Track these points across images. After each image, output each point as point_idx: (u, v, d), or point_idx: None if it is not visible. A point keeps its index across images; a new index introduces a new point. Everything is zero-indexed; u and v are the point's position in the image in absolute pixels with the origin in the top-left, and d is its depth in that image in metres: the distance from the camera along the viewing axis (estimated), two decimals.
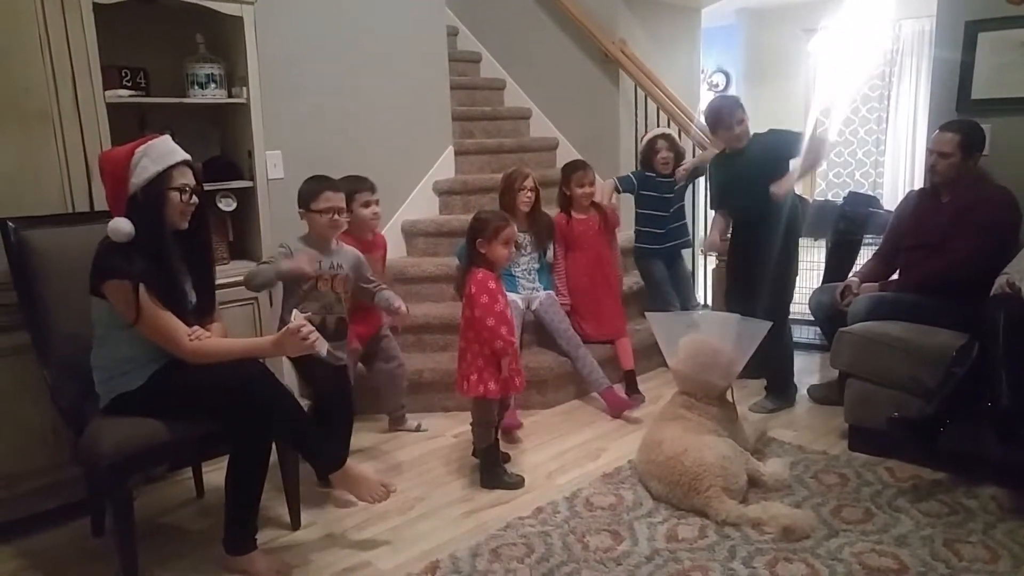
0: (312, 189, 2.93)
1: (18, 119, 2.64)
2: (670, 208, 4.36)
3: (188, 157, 2.41)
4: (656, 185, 4.32)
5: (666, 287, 4.33)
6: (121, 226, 2.27)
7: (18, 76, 2.62)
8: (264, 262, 2.97)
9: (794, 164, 3.63)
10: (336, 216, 2.94)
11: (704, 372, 3.03)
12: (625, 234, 4.62)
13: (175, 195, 2.36)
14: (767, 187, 3.55)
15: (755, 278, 3.72)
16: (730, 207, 3.90)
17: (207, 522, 2.83)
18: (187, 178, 2.39)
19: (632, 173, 4.49)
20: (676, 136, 4.55)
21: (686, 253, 4.62)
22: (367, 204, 3.38)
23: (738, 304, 3.71)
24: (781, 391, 3.83)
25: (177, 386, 2.38)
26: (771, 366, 3.81)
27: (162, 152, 2.35)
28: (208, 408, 2.38)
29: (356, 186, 3.34)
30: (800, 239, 3.82)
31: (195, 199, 2.42)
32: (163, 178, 2.33)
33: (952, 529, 2.58)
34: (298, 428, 2.55)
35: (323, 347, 2.47)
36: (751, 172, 3.65)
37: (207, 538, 2.68)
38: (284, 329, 2.41)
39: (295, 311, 2.44)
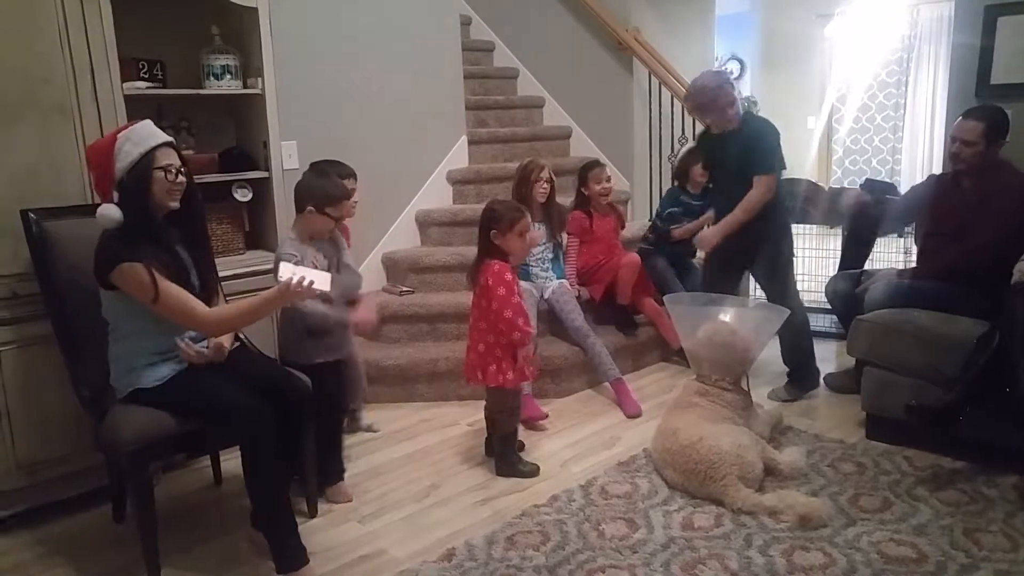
0: (334, 194, 2.83)
1: (38, 112, 2.66)
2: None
3: (170, 139, 2.43)
4: (688, 210, 4.31)
5: (670, 275, 4.31)
6: (109, 212, 2.29)
7: (38, 69, 2.64)
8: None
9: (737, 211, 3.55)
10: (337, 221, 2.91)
11: (720, 355, 3.03)
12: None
13: (160, 174, 2.37)
14: (749, 179, 3.52)
15: (735, 270, 3.80)
16: (714, 190, 3.87)
17: (225, 509, 2.87)
18: (171, 159, 2.40)
19: (667, 201, 4.42)
20: None
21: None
22: (353, 191, 3.34)
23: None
24: (801, 382, 3.80)
25: (191, 400, 2.38)
26: (793, 357, 3.80)
27: (143, 135, 2.37)
28: (220, 429, 2.42)
29: (348, 172, 3.32)
30: (787, 225, 3.78)
31: (182, 178, 2.43)
32: (147, 159, 2.34)
33: (972, 518, 2.57)
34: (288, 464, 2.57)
35: (326, 283, 2.36)
36: (737, 158, 3.57)
37: (225, 525, 2.73)
38: (280, 285, 2.31)
39: (281, 264, 2.37)
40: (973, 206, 3.25)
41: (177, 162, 2.42)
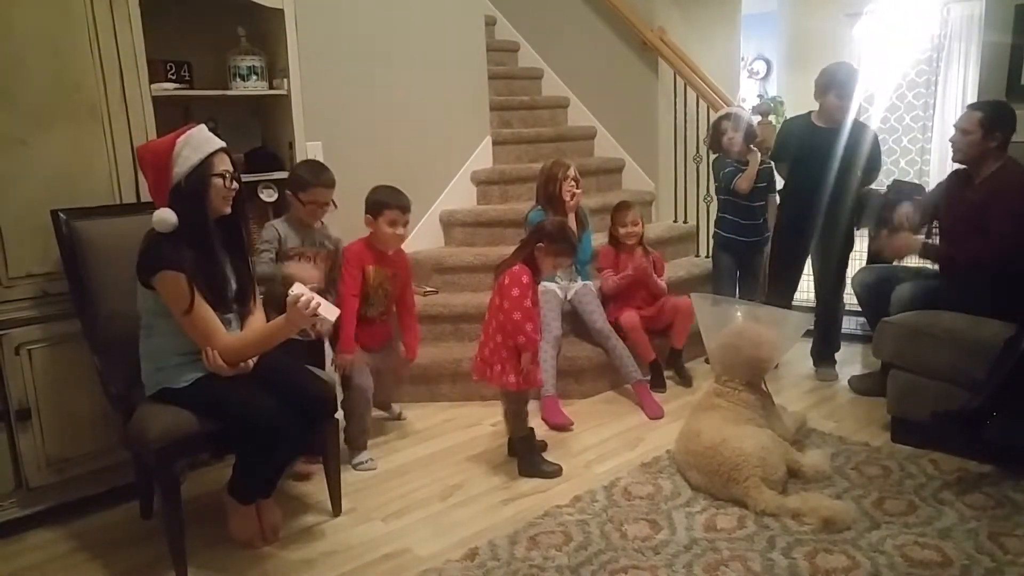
0: (303, 180, 3.04)
1: (69, 114, 2.70)
2: (754, 198, 4.19)
3: (224, 144, 2.46)
4: (740, 170, 4.14)
5: (729, 284, 4.27)
6: (166, 216, 2.32)
7: (69, 72, 2.68)
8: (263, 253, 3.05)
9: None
10: (318, 210, 3.08)
11: (743, 358, 3.01)
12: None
13: (218, 181, 2.41)
14: (847, 179, 3.72)
15: (805, 257, 3.92)
16: (797, 178, 3.91)
17: None
18: (226, 164, 2.44)
19: (720, 167, 4.28)
20: (743, 113, 4.35)
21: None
22: (393, 223, 3.26)
23: (785, 284, 3.86)
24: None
25: (216, 405, 2.41)
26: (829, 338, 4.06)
27: (201, 141, 2.40)
28: (242, 435, 2.42)
29: (390, 200, 3.28)
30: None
31: (236, 184, 2.47)
32: (205, 165, 2.38)
33: (998, 522, 2.54)
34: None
35: (332, 313, 2.39)
36: (839, 157, 3.72)
37: None
38: (289, 299, 2.35)
39: (296, 284, 2.41)
40: (986, 200, 3.23)
41: (231, 168, 2.46)
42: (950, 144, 3.36)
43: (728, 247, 4.29)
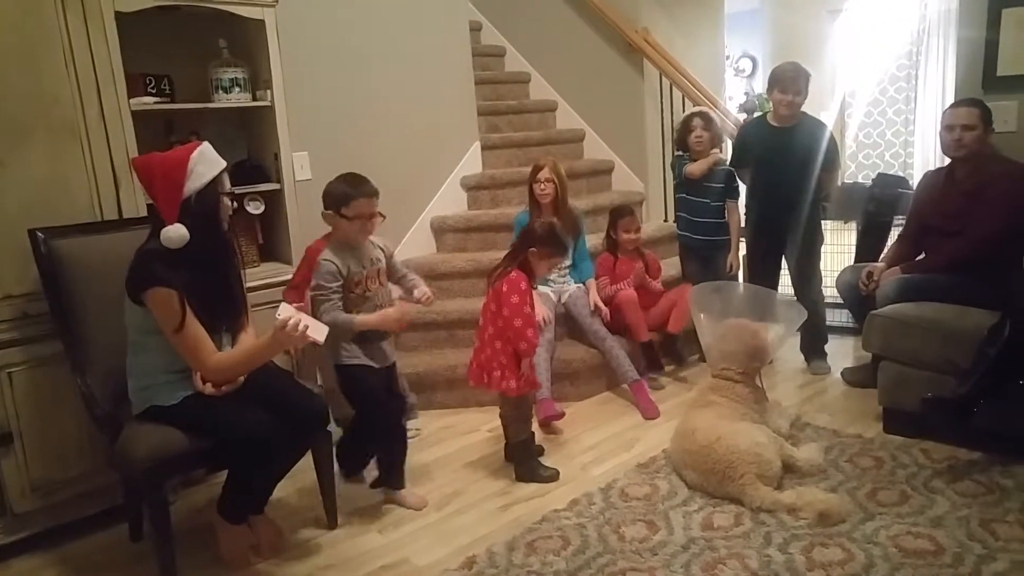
0: (343, 193, 2.76)
1: (48, 131, 2.67)
2: (711, 197, 4.19)
3: (225, 163, 2.46)
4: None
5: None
6: (180, 232, 2.29)
7: (46, 88, 2.65)
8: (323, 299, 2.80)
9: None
10: (366, 224, 2.81)
11: (742, 346, 3.03)
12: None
13: (226, 200, 2.43)
14: (806, 177, 3.75)
15: (779, 256, 3.94)
16: (758, 179, 3.96)
17: None
18: (228, 184, 2.46)
19: (678, 166, 4.30)
20: (714, 115, 4.37)
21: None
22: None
23: (764, 283, 3.85)
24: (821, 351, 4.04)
25: (204, 423, 2.39)
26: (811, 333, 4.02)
27: (212, 159, 2.40)
28: (228, 448, 2.40)
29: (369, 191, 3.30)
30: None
31: (235, 204, 2.50)
32: (216, 183, 2.39)
33: (988, 509, 2.55)
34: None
35: (320, 333, 2.32)
36: (796, 155, 3.77)
37: None
38: (273, 327, 2.30)
39: (282, 304, 2.37)
40: (970, 195, 3.26)
41: (230, 187, 2.47)
42: (955, 142, 3.27)
43: (688, 248, 4.34)
